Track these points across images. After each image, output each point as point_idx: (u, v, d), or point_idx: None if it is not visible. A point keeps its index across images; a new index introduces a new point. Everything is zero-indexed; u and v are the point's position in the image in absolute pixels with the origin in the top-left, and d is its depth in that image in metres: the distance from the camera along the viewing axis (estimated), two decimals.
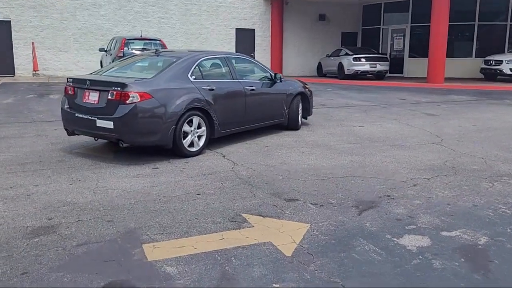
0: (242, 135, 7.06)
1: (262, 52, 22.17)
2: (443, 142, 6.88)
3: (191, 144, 5.84)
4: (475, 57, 20.42)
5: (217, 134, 6.20)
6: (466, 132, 7.70)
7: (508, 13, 20.29)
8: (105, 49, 15.57)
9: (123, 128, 5.27)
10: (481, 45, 20.47)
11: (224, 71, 6.56)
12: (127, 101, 5.24)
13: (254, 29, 21.97)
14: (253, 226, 3.65)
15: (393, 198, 4.32)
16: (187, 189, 4.57)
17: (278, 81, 7.22)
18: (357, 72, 18.21)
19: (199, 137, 5.94)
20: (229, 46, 21.42)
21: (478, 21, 20.29)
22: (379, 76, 18.66)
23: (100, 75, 6.08)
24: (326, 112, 9.94)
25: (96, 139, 6.09)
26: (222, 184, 4.76)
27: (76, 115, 5.65)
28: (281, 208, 4.07)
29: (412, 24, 21.36)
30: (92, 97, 5.54)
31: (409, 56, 21.61)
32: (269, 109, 7.17)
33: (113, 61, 13.67)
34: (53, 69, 18.94)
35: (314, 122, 8.63)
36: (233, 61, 6.75)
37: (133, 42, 13.50)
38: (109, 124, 5.29)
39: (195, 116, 5.82)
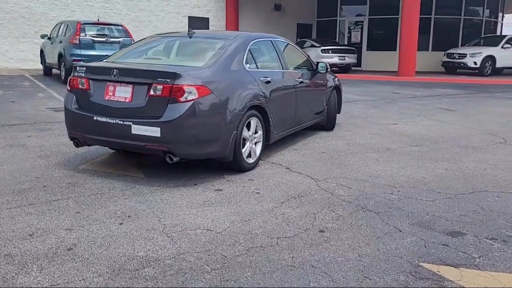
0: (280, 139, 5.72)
1: None
2: (510, 142, 6.07)
3: (248, 154, 4.43)
4: (432, 50, 20.52)
5: (272, 139, 4.83)
6: None
7: (462, 7, 20.60)
8: (49, 36, 13.22)
9: (176, 136, 3.73)
10: (436, 39, 20.60)
11: (274, 58, 5.18)
12: (181, 98, 3.71)
13: (208, 18, 20.36)
14: (462, 287, 2.42)
15: None
16: (298, 224, 3.21)
17: (323, 71, 5.95)
18: None
19: (255, 144, 4.56)
20: None
21: (434, 15, 20.38)
22: (346, 69, 17.95)
23: (127, 62, 4.41)
24: None
25: (122, 151, 4.42)
26: (334, 212, 3.46)
27: (95, 118, 3.97)
28: (459, 249, 2.87)
29: (370, 17, 20.98)
30: (122, 93, 3.92)
31: (367, 49, 21.23)
32: (313, 106, 5.91)
33: (64, 50, 11.53)
34: None
35: (339, 120, 7.49)
36: (280, 46, 5.38)
37: (90, 27, 11.42)
38: (154, 131, 3.72)
39: (253, 117, 4.42)
